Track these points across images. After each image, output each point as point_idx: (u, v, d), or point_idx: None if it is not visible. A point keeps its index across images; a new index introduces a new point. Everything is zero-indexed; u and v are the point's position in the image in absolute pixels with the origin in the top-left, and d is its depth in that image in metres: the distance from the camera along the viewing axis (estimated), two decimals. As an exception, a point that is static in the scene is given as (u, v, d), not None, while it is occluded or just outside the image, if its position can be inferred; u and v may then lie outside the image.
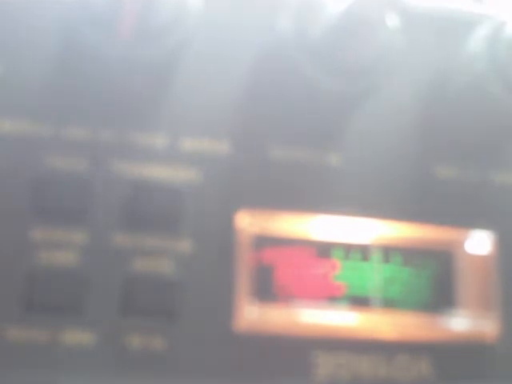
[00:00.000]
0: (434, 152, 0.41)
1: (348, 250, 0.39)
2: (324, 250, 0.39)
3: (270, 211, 0.38)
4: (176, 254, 0.36)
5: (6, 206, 0.35)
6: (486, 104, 0.40)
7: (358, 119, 0.40)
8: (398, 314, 0.39)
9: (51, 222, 0.35)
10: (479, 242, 0.41)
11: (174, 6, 0.36)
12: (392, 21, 0.37)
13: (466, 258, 0.41)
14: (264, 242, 0.38)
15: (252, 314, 0.37)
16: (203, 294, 0.36)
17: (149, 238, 0.36)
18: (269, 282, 0.38)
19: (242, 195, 0.38)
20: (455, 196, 0.41)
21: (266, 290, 0.38)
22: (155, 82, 0.38)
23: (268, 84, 0.39)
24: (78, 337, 0.35)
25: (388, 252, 0.39)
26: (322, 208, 0.39)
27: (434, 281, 0.40)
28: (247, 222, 0.38)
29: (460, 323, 0.40)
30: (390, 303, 0.39)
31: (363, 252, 0.39)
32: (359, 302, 0.39)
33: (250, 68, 0.39)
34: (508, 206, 0.42)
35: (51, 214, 0.35)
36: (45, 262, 0.35)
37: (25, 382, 0.34)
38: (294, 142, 0.39)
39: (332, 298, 0.38)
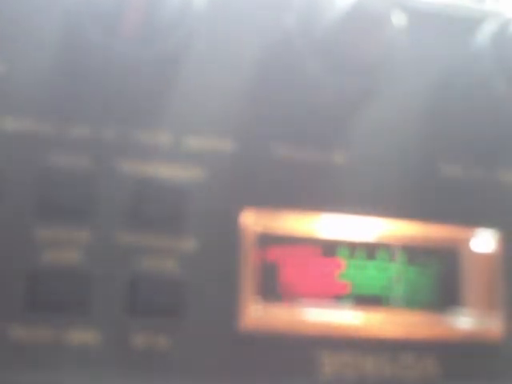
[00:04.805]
0: (439, 150, 0.41)
1: (353, 248, 0.39)
2: (329, 249, 0.39)
3: (275, 210, 0.38)
4: (180, 253, 0.36)
5: (10, 205, 0.35)
6: (492, 102, 0.39)
7: (363, 117, 0.40)
8: (403, 313, 0.39)
9: (55, 221, 0.35)
10: (484, 241, 0.41)
11: (178, 3, 0.35)
12: (397, 18, 0.37)
13: (471, 256, 0.40)
14: (269, 240, 0.38)
15: (257, 313, 0.37)
16: (208, 293, 0.36)
17: (153, 237, 0.36)
18: (274, 280, 0.38)
19: (247, 194, 0.38)
20: (460, 194, 0.41)
21: (271, 288, 0.38)
22: (159, 80, 0.38)
23: (273, 82, 0.39)
24: (82, 336, 0.35)
25: (393, 251, 0.39)
26: (327, 206, 0.39)
27: (439, 279, 0.40)
28: (252, 221, 0.38)
29: (465, 322, 0.40)
30: (395, 302, 0.39)
31: (368, 251, 0.39)
32: (364, 300, 0.39)
33: (254, 66, 0.39)
34: (513, 204, 0.42)
35: (55, 213, 0.35)
36: (49, 261, 0.35)
37: (29, 382, 0.34)
38: (299, 140, 0.39)
39: (337, 296, 0.38)
